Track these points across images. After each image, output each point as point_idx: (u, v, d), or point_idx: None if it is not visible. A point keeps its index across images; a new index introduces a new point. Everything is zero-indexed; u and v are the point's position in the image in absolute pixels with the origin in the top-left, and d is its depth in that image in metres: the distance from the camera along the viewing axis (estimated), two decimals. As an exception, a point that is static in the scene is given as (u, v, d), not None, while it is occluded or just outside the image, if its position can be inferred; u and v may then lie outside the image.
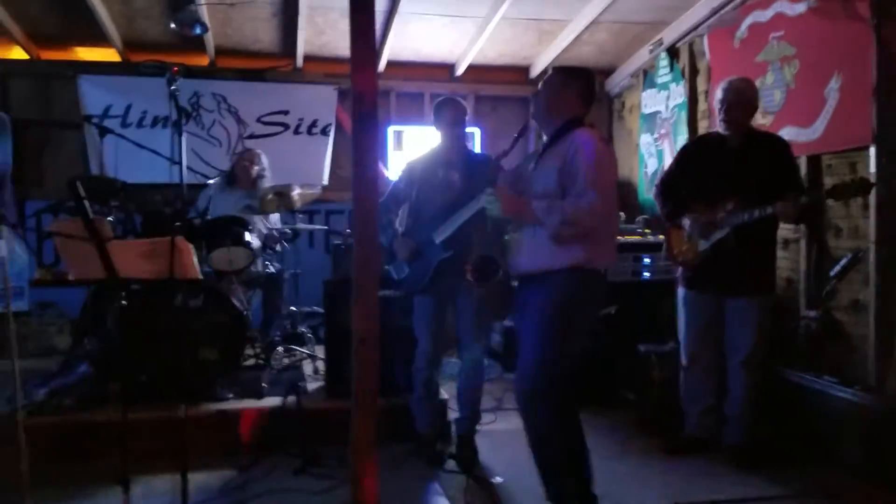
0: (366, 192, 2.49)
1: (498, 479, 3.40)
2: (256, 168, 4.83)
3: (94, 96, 5.43)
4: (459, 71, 6.01)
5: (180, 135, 2.72)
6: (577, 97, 2.84)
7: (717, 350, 3.68)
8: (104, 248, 2.13)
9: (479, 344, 3.61)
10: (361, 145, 2.51)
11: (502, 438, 3.91)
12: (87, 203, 2.09)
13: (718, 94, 3.60)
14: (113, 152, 4.60)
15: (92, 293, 4.54)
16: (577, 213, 2.63)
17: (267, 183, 4.97)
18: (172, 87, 2.80)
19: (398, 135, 5.91)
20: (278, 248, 4.79)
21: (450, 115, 3.56)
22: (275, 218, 4.87)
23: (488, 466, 3.55)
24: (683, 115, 5.14)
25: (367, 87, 2.55)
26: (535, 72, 6.17)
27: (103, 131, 4.35)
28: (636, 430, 4.11)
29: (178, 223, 3.55)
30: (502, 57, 5.93)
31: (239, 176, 4.81)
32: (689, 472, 3.49)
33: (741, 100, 3.52)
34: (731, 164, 3.55)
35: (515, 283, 3.06)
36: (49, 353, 4.99)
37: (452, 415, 3.83)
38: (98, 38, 5.14)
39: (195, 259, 2.30)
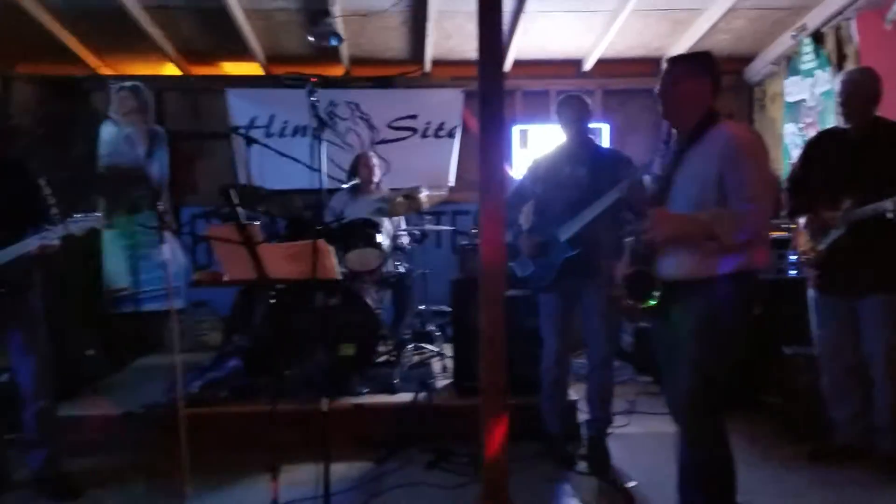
0: (492, 193, 2.52)
1: (632, 484, 3.32)
2: (374, 170, 5.01)
3: (240, 108, 5.80)
4: (587, 66, 5.92)
5: (320, 143, 2.85)
6: (710, 88, 2.66)
7: (856, 353, 3.43)
8: (255, 251, 2.28)
9: (606, 344, 3.55)
10: (488, 146, 2.54)
11: (635, 442, 3.83)
12: (239, 209, 2.25)
13: (837, 85, 3.37)
14: (258, 160, 4.89)
15: (240, 293, 4.86)
16: (754, 221, 2.42)
17: (383, 185, 5.14)
18: (313, 98, 2.94)
19: (524, 133, 5.91)
20: (406, 248, 4.93)
21: (573, 112, 3.53)
22: (398, 220, 5.00)
23: (621, 470, 3.48)
24: (831, 104, 4.81)
25: (494, 87, 2.58)
26: (666, 63, 5.97)
27: (249, 141, 4.64)
28: (780, 436, 3.90)
29: (318, 227, 3.74)
30: (632, 49, 5.78)
31: (362, 180, 5.00)
32: (839, 482, 3.28)
33: (858, 91, 3.29)
34: (849, 158, 3.32)
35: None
36: (202, 349, 5.37)
37: (583, 416, 3.79)
38: (243, 53, 5.48)
39: (335, 261, 2.42)
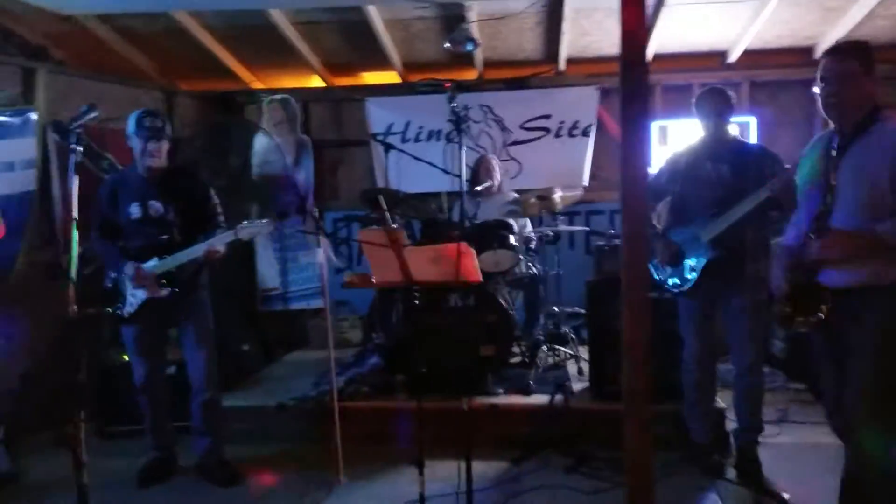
0: (634, 192, 2.46)
1: (786, 496, 3.14)
2: (494, 173, 5.02)
3: (378, 116, 6.01)
4: (732, 57, 5.66)
5: (461, 147, 2.90)
6: (873, 79, 2.49)
7: None
8: (402, 254, 2.36)
9: (753, 350, 3.37)
10: (630, 144, 2.48)
11: (788, 452, 3.62)
12: (387, 214, 2.34)
13: None
14: (395, 165, 5.04)
15: (379, 293, 5.03)
16: None
17: (505, 187, 5.13)
18: (453, 104, 2.99)
19: (663, 130, 5.73)
20: (537, 249, 4.91)
21: (712, 105, 3.39)
22: (523, 221, 4.99)
23: (773, 481, 3.30)
24: None
25: (637, 83, 2.52)
26: (820, 52, 5.59)
27: (387, 147, 4.81)
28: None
29: (457, 230, 3.81)
30: (780, 39, 5.46)
31: (482, 183, 5.03)
32: None
33: None
34: None
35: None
36: (343, 346, 5.61)
37: (731, 425, 3.63)
38: (381, 62, 5.67)
39: (476, 263, 2.46)
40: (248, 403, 4.35)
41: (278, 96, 5.88)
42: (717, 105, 3.38)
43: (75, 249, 2.40)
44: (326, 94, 6.15)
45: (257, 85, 6.11)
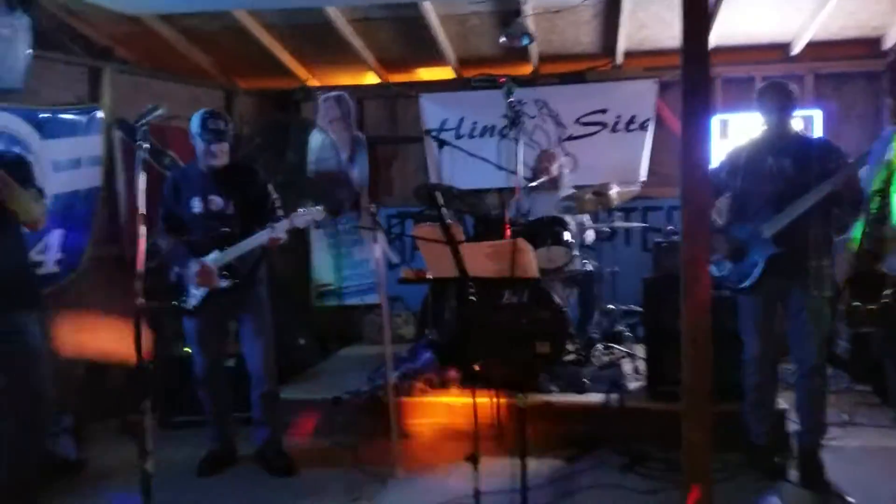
0: (695, 188, 2.41)
1: (851, 500, 3.04)
2: (555, 168, 4.96)
3: (432, 112, 6.02)
4: (796, 49, 5.49)
5: (517, 143, 2.88)
6: None
7: None
8: (457, 249, 2.36)
9: (817, 350, 3.26)
10: (691, 138, 2.43)
11: (853, 456, 3.51)
12: (443, 210, 2.34)
13: None
14: (448, 162, 5.05)
15: (431, 289, 5.04)
16: None
17: (566, 181, 5.08)
18: (510, 100, 2.97)
19: (724, 123, 5.60)
20: (592, 245, 4.86)
21: (775, 99, 3.30)
22: (582, 217, 4.93)
23: (837, 485, 3.20)
24: None
25: (699, 76, 2.46)
26: (887, 43, 5.38)
27: (441, 143, 4.81)
28: None
29: (513, 226, 3.80)
30: (845, 30, 5.27)
31: (545, 178, 4.99)
32: None
33: None
34: None
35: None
36: (396, 342, 5.64)
37: (793, 427, 3.54)
38: (436, 58, 5.68)
39: (533, 259, 2.45)
40: (304, 396, 4.42)
41: (334, 93, 5.96)
42: (780, 99, 3.30)
43: (143, 244, 2.46)
44: (381, 91, 6.19)
45: (313, 82, 6.19)
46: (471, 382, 4.10)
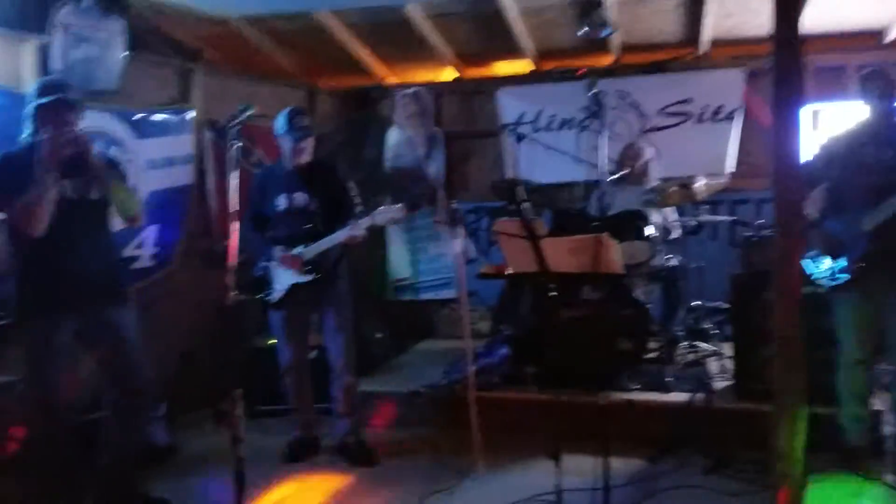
0: (788, 179, 2.32)
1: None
2: (641, 162, 4.85)
3: (509, 106, 5.98)
4: (890, 36, 5.19)
5: (602, 136, 2.83)
6: None
7: None
8: (538, 245, 2.35)
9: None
10: (782, 128, 2.34)
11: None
12: (525, 204, 2.33)
13: None
14: (525, 156, 5.02)
15: (507, 284, 5.03)
16: None
17: (653, 174, 4.95)
18: (593, 91, 2.93)
19: (815, 114, 5.35)
20: (677, 240, 4.73)
21: (880, 87, 3.17)
22: (666, 211, 4.81)
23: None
24: None
25: (791, 65, 2.36)
26: None
27: (519, 137, 4.79)
28: None
29: (595, 221, 3.75)
30: (947, 14, 4.95)
31: (629, 170, 4.88)
32: None
33: None
34: None
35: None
36: (472, 336, 5.64)
37: (888, 429, 3.38)
38: (514, 51, 5.63)
39: (617, 255, 2.41)
40: (382, 389, 4.49)
41: (411, 90, 6.00)
42: (882, 86, 3.18)
43: (235, 239, 2.55)
44: (458, 87, 6.20)
45: (391, 80, 6.25)
46: (549, 379, 4.07)
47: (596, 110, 4.31)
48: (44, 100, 2.96)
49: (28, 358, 3.01)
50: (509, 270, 2.66)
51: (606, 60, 5.77)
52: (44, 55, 3.93)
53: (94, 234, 3.12)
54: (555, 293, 2.32)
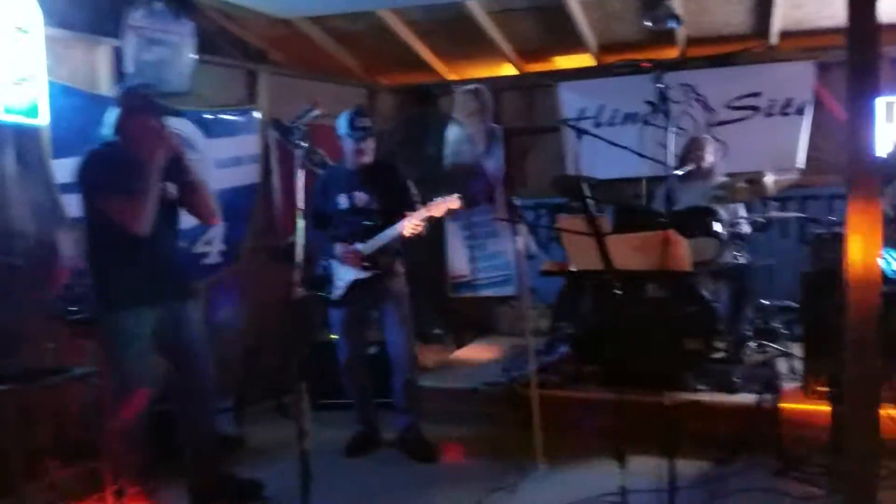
0: (862, 175, 2.25)
1: None
2: (705, 157, 4.73)
3: (570, 101, 5.91)
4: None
5: (668, 131, 2.78)
6: None
7: None
8: (603, 242, 2.32)
9: None
10: (857, 123, 2.26)
11: None
12: (590, 201, 2.31)
13: None
14: (587, 151, 4.95)
15: (567, 282, 4.98)
16: None
17: (718, 170, 4.81)
18: (659, 85, 2.87)
19: (889, 106, 5.12)
20: (745, 237, 4.60)
21: None
22: (734, 207, 4.67)
23: None
24: None
25: (866, 56, 2.28)
26: None
27: (580, 132, 4.72)
28: None
29: (655, 217, 3.67)
30: None
31: (694, 165, 4.76)
32: None
33: None
34: None
35: None
36: (532, 333, 5.59)
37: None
38: (575, 45, 5.57)
39: (685, 252, 2.36)
40: (441, 385, 4.51)
41: (471, 86, 6.00)
42: None
43: (301, 237, 2.61)
44: (518, 82, 6.16)
45: (451, 76, 6.26)
46: (611, 378, 4.02)
47: (661, 104, 4.22)
48: (135, 102, 3.07)
49: (109, 351, 3.13)
50: (572, 267, 2.63)
51: (671, 53, 5.65)
52: (117, 58, 4.08)
53: (171, 232, 3.26)
54: (619, 291, 2.28)
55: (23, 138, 3.60)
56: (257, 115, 4.99)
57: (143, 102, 3.07)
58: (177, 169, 3.15)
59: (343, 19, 5.15)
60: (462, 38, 5.48)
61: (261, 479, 3.42)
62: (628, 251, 2.37)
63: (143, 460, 3.18)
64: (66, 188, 3.79)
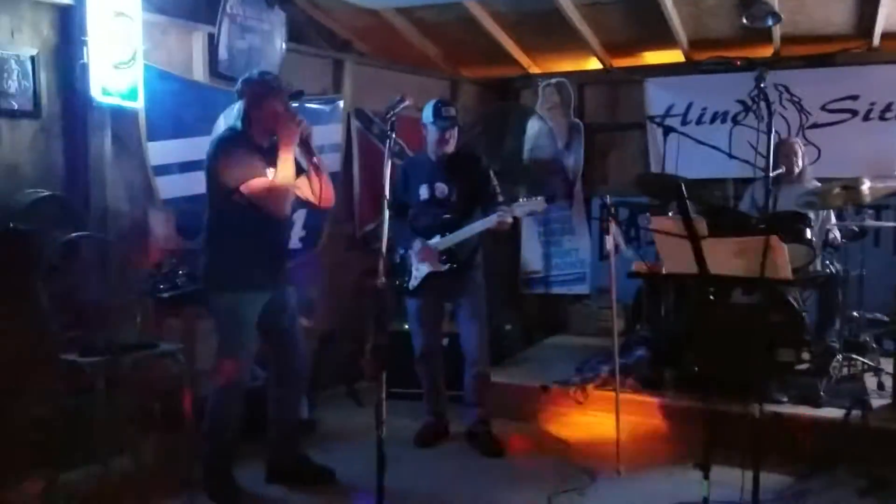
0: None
1: None
2: (796, 160, 4.54)
3: (657, 97, 5.76)
4: None
5: (770, 132, 2.67)
6: None
7: None
8: (699, 245, 2.24)
9: None
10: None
11: None
12: (688, 202, 2.23)
13: None
14: (673, 150, 4.83)
15: (646, 283, 4.85)
16: None
17: (808, 174, 4.62)
18: (762, 84, 2.76)
19: None
20: (836, 245, 4.39)
21: None
22: (825, 213, 4.46)
23: None
24: None
25: None
26: None
27: (667, 130, 4.60)
28: None
29: (755, 221, 3.54)
30: None
31: (784, 169, 4.57)
32: None
33: None
34: None
35: None
36: (604, 335, 5.50)
37: None
38: (665, 41, 5.42)
39: (787, 259, 2.26)
40: (510, 381, 4.48)
41: (554, 80, 5.94)
42: None
43: (386, 226, 2.62)
44: (603, 77, 6.04)
45: (535, 70, 6.19)
46: (690, 385, 3.91)
47: (756, 104, 4.07)
48: (261, 89, 3.14)
49: (224, 333, 3.20)
50: (665, 270, 2.55)
51: (766, 52, 5.44)
52: (210, 44, 4.19)
53: (289, 216, 3.34)
54: (712, 296, 2.20)
55: (120, 120, 3.73)
56: (341, 104, 5.04)
57: (268, 89, 3.15)
58: (300, 152, 3.22)
59: (429, 10, 5.15)
60: (548, 30, 5.41)
61: (331, 464, 3.47)
62: (726, 255, 2.27)
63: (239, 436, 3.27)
64: (159, 170, 3.93)
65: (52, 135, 3.54)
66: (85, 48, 3.47)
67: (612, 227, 3.36)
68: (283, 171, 3.05)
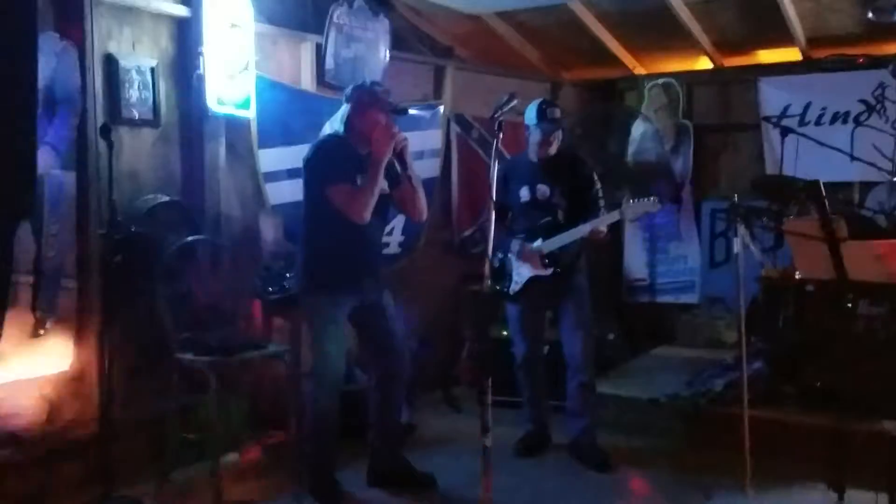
0: None
1: None
2: None
3: (773, 97, 5.47)
4: None
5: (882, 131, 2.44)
6: None
7: None
8: (837, 248, 2.08)
9: None
10: None
11: None
12: (826, 203, 2.07)
13: None
14: (791, 151, 4.57)
15: (763, 292, 4.58)
16: None
17: None
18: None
19: None
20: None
21: None
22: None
23: None
24: None
25: None
26: None
27: (786, 131, 4.36)
28: None
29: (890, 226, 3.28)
30: None
31: None
32: None
33: None
34: None
35: None
36: (717, 346, 5.26)
37: None
38: (781, 38, 5.17)
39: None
40: (614, 392, 4.32)
41: (661, 81, 5.75)
42: None
43: (493, 227, 2.58)
44: (713, 76, 5.79)
45: (639, 71, 6.01)
46: (813, 401, 3.64)
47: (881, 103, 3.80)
48: (366, 98, 3.20)
49: (310, 331, 3.29)
50: (800, 276, 2.37)
51: (890, 49, 5.06)
52: (317, 54, 4.27)
53: (381, 224, 3.40)
54: (850, 303, 2.02)
55: (233, 129, 3.86)
56: (441, 109, 5.05)
57: (373, 99, 3.21)
58: (397, 164, 3.26)
59: (532, 13, 5.09)
60: (656, 29, 5.25)
61: (431, 470, 3.44)
62: (868, 260, 2.08)
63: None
64: (269, 177, 4.05)
65: (170, 143, 3.69)
66: (201, 59, 3.60)
67: (741, 228, 3.14)
68: (369, 180, 3.08)
